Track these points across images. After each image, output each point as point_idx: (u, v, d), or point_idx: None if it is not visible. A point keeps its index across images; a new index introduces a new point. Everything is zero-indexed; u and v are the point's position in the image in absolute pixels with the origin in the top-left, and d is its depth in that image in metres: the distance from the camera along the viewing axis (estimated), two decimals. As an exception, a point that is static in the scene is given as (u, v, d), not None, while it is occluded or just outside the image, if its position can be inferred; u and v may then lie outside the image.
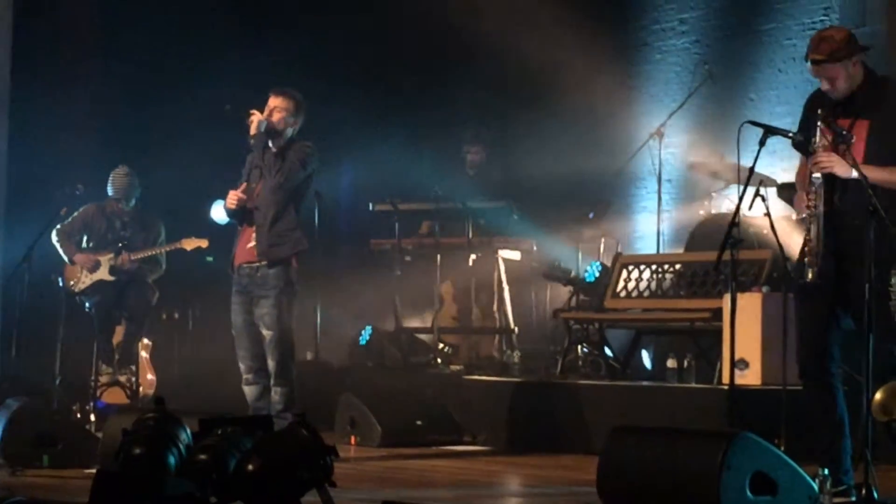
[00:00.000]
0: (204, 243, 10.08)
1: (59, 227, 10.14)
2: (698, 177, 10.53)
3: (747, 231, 8.57)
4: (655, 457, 5.37)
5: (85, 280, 10.08)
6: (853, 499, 5.64)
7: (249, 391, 7.89)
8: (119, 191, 10.20)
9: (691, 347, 8.83)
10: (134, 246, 10.16)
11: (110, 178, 10.26)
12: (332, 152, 12.51)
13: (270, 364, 7.77)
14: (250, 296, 7.81)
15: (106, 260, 10.09)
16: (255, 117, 7.87)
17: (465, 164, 11.28)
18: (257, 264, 7.80)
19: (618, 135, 11.33)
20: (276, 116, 7.89)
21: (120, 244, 10.09)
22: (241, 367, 7.89)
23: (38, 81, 11.57)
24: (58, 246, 10.13)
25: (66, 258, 10.13)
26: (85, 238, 10.24)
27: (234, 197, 7.88)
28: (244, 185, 7.91)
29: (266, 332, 7.75)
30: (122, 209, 10.24)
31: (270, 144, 7.89)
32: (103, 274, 10.08)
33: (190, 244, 10.12)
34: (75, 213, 10.22)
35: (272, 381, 7.79)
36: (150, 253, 10.17)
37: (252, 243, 7.82)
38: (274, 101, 7.93)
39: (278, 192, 7.80)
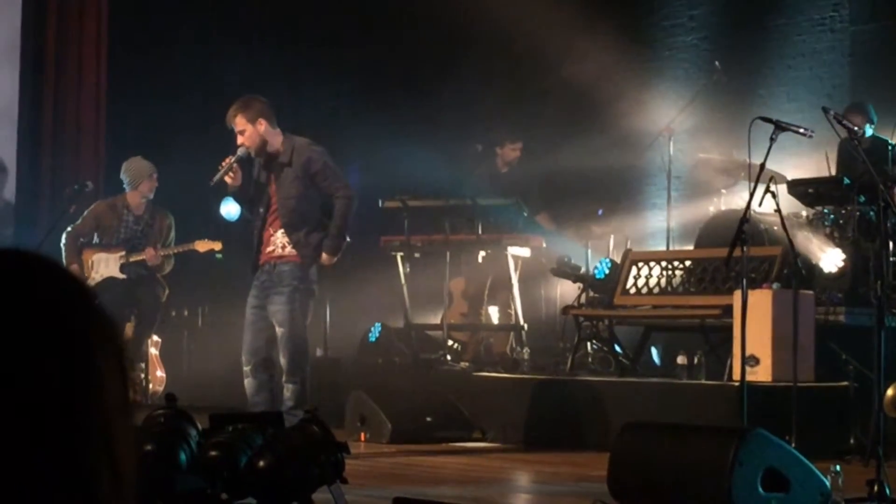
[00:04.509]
0: (217, 246, 10.02)
1: (69, 229, 10.09)
2: (708, 173, 10.52)
3: (757, 227, 8.56)
4: (667, 453, 5.37)
5: (95, 277, 10.06)
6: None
7: (247, 385, 7.91)
8: (136, 176, 10.07)
9: (701, 344, 8.82)
10: (148, 241, 10.12)
11: (125, 167, 10.16)
12: (341, 149, 12.53)
13: (282, 361, 7.79)
14: (266, 292, 7.84)
15: (117, 257, 10.07)
16: (228, 162, 7.73)
17: (493, 160, 11.26)
18: (275, 262, 7.83)
19: (627, 131, 11.32)
20: (247, 139, 7.77)
21: (139, 244, 10.04)
22: (242, 360, 7.92)
23: (46, 80, 11.58)
24: (63, 249, 10.05)
25: (64, 262, 10.01)
26: (96, 235, 10.20)
27: (230, 179, 7.84)
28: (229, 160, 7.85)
29: (278, 329, 7.77)
30: (134, 203, 10.18)
31: (276, 158, 7.86)
32: (114, 271, 10.07)
33: (203, 246, 10.06)
34: (85, 213, 10.17)
35: (283, 378, 7.81)
36: (170, 251, 10.11)
37: (270, 247, 7.86)
38: (236, 127, 7.80)
39: (294, 201, 7.80)
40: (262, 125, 7.80)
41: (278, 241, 7.82)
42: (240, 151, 7.80)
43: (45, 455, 1.16)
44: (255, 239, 7.93)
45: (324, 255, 7.82)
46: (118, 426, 1.21)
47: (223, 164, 7.76)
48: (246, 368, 7.88)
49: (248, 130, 7.78)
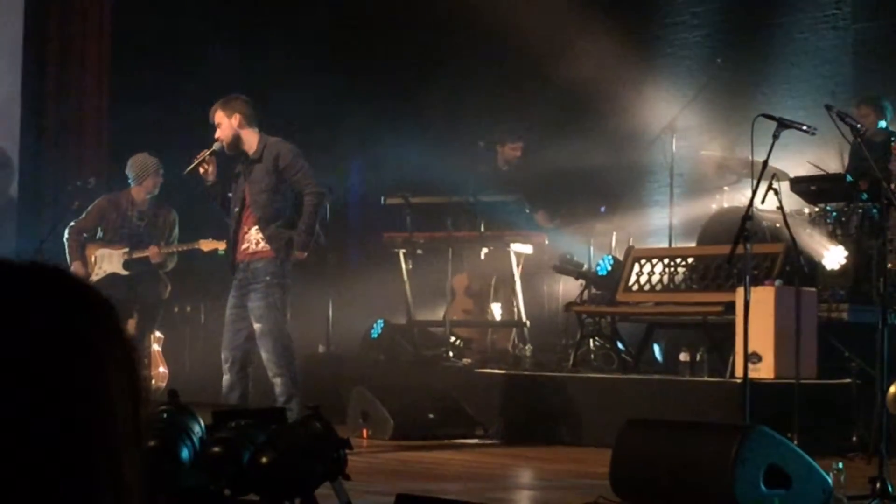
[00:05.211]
0: (221, 245, 9.94)
1: (72, 224, 10.05)
2: (710, 170, 10.52)
3: (760, 225, 8.56)
4: (669, 450, 5.37)
5: (98, 272, 10.04)
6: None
7: (223, 382, 8.00)
8: (142, 172, 10.05)
9: (704, 341, 8.82)
10: (151, 237, 10.10)
11: (130, 163, 10.13)
12: (343, 147, 12.54)
13: (264, 356, 7.91)
14: (244, 290, 7.94)
15: (120, 254, 10.04)
16: (202, 156, 7.92)
17: (495, 158, 11.26)
18: (249, 260, 7.94)
19: (629, 129, 11.32)
20: (221, 132, 7.96)
21: (143, 241, 10.02)
22: (221, 357, 8.02)
23: (49, 76, 11.58)
24: (66, 244, 10.01)
25: (67, 258, 9.95)
26: (99, 230, 10.17)
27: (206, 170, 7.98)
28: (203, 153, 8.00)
29: (256, 325, 7.88)
30: (138, 199, 10.14)
31: (249, 155, 7.95)
32: (116, 267, 10.04)
33: (207, 245, 10.00)
34: (89, 207, 10.14)
35: (270, 374, 7.90)
36: (173, 250, 10.10)
37: (244, 245, 7.98)
38: (215, 121, 7.99)
39: (266, 195, 7.89)
40: (237, 120, 7.95)
41: (252, 238, 7.95)
42: (215, 145, 8.01)
43: (46, 469, 1.15)
44: (231, 238, 8.05)
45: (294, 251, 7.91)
46: (124, 443, 1.20)
47: (198, 156, 7.88)
48: (224, 366, 7.99)
49: (224, 124, 7.97)
